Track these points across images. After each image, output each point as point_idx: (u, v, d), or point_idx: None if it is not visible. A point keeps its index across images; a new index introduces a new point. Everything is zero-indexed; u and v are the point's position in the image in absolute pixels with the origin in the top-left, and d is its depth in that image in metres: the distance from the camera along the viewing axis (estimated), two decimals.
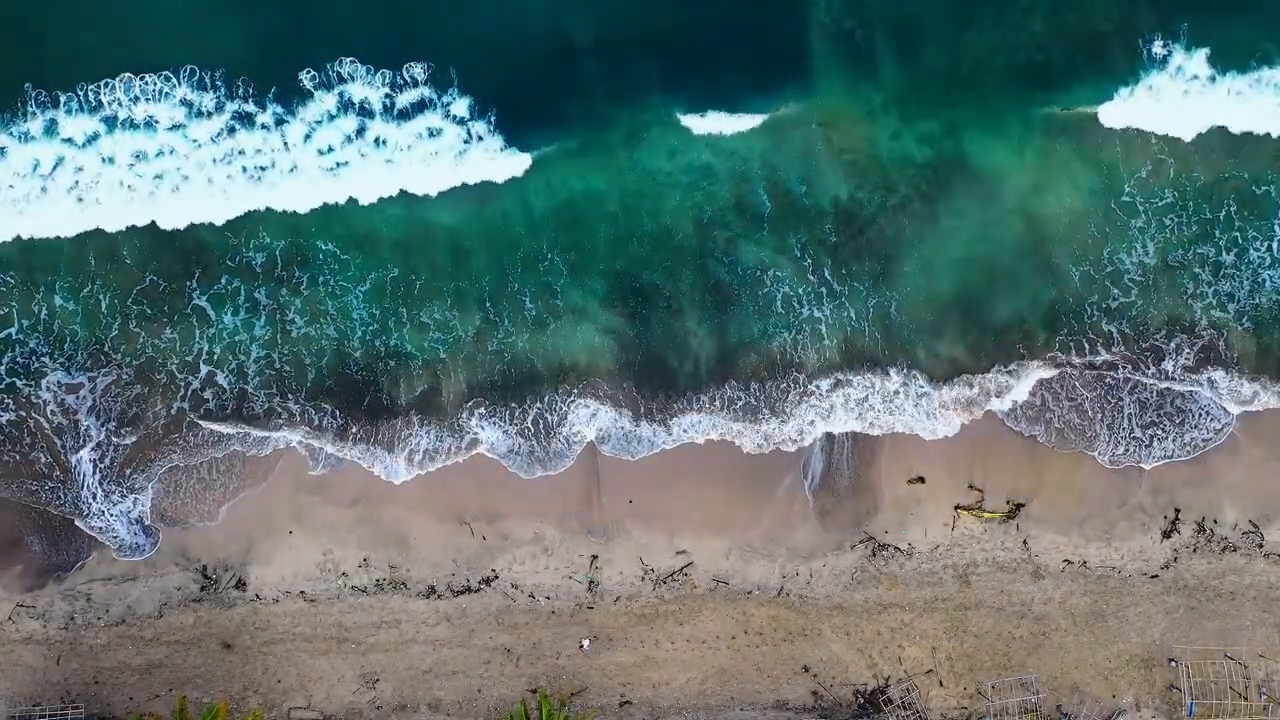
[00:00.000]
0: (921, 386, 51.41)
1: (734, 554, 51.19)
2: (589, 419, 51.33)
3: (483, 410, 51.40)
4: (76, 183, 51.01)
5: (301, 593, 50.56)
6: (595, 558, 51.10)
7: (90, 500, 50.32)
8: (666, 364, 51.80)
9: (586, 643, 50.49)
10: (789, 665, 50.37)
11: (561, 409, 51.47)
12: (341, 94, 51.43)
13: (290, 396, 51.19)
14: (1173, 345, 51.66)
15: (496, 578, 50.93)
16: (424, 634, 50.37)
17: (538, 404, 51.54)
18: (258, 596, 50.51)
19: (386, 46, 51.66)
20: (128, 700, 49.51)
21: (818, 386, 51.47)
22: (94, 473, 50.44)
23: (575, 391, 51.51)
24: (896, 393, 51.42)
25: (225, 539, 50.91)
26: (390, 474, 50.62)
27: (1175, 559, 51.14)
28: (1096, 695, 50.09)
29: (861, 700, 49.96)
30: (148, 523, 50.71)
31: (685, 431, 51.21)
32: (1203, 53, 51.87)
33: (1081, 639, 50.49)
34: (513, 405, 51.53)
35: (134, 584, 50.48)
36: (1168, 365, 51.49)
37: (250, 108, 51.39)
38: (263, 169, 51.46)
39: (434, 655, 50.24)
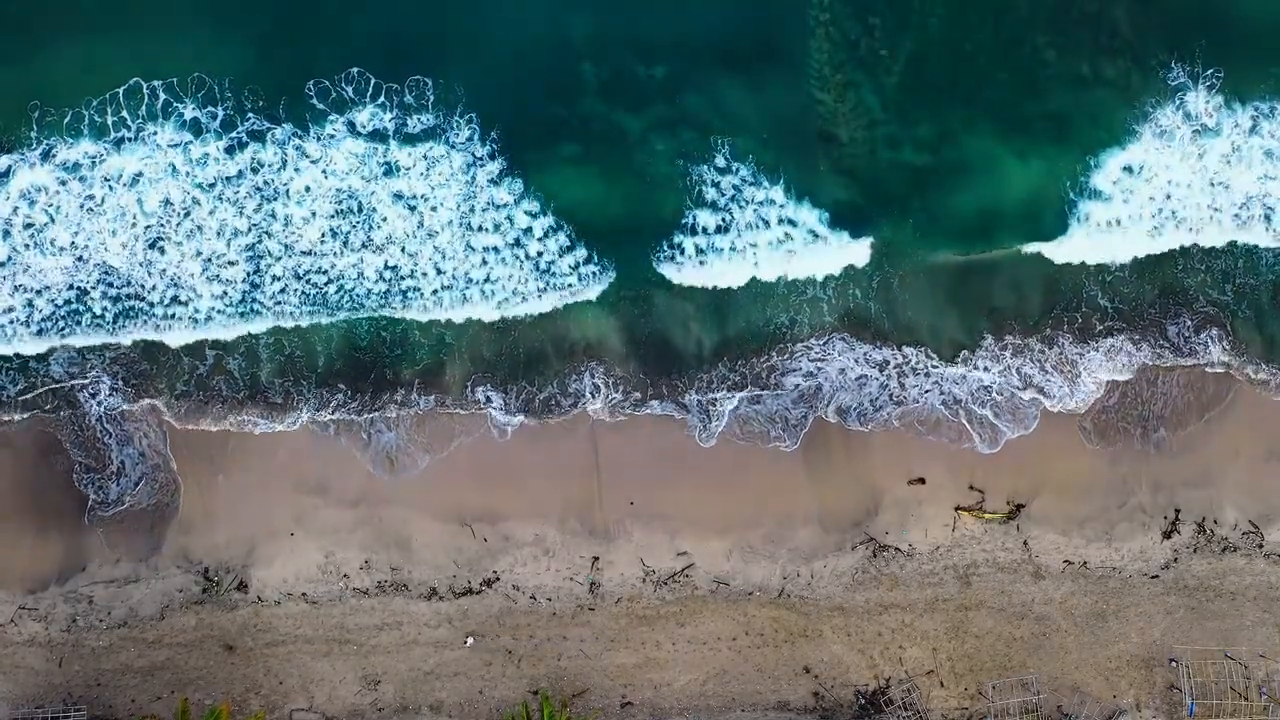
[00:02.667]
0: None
1: (735, 555, 51.27)
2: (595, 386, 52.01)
3: (488, 386, 51.97)
4: (81, 206, 51.13)
5: (303, 595, 50.62)
6: (596, 559, 51.17)
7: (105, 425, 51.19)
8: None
9: (470, 640, 50.40)
10: (790, 666, 50.41)
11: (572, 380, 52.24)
12: (350, 116, 51.84)
13: (303, 381, 51.82)
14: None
15: (498, 579, 50.99)
16: (425, 635, 50.41)
17: (550, 386, 52.17)
18: (259, 598, 50.55)
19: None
20: (130, 702, 49.51)
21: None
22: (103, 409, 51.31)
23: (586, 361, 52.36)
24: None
25: (227, 541, 50.94)
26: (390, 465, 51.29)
27: (1176, 559, 51.23)
28: (1097, 695, 50.12)
29: (862, 701, 49.98)
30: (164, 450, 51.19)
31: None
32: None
33: (1082, 639, 50.54)
34: (522, 383, 52.14)
35: (136, 586, 50.52)
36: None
37: (261, 125, 51.60)
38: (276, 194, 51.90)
39: (436, 657, 50.28)
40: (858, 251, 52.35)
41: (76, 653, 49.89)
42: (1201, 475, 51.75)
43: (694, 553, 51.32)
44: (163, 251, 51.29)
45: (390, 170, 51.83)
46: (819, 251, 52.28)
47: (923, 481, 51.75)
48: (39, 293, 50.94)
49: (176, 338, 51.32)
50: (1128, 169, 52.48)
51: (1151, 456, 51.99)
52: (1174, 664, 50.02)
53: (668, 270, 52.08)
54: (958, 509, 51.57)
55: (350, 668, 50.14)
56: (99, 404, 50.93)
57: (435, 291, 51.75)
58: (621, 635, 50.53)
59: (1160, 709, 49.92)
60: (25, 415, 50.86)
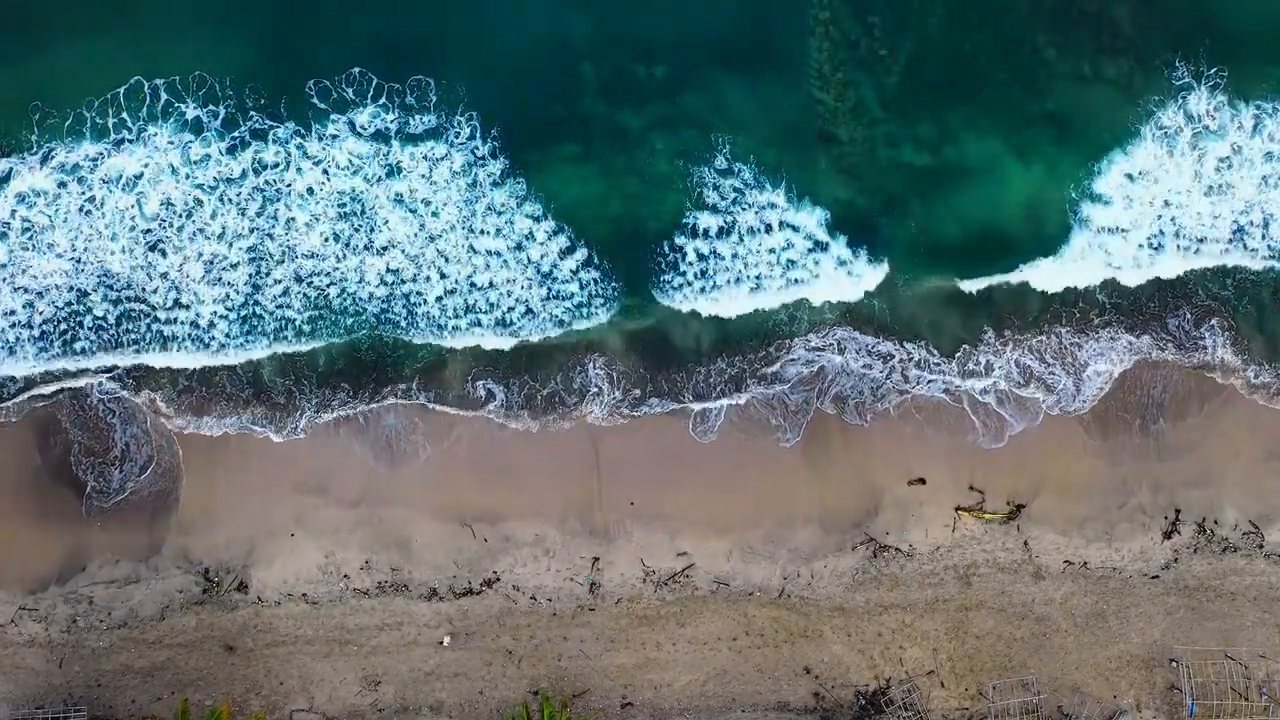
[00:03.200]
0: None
1: (735, 555, 51.28)
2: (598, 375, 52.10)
3: (489, 380, 52.03)
4: (81, 209, 50.96)
5: (304, 595, 50.62)
6: (596, 559, 51.18)
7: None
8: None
9: (447, 639, 50.36)
10: (790, 666, 50.42)
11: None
12: (351, 116, 51.73)
13: (304, 381, 51.84)
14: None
15: (498, 580, 50.99)
16: (426, 636, 50.41)
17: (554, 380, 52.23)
18: (260, 599, 50.54)
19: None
20: (130, 703, 49.51)
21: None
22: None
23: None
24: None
25: (227, 541, 50.95)
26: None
27: (1176, 559, 51.25)
28: (1097, 696, 50.13)
29: (863, 701, 49.98)
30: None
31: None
32: None
33: (1082, 640, 50.54)
34: (525, 378, 52.18)
35: (136, 587, 50.51)
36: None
37: (263, 123, 51.45)
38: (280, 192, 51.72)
39: (436, 657, 50.29)
40: (862, 277, 52.27)
41: (77, 653, 49.88)
42: (1201, 475, 51.77)
43: (694, 553, 51.32)
44: (164, 254, 51.21)
45: (393, 171, 51.76)
46: (822, 266, 52.14)
47: (923, 482, 51.76)
48: (40, 295, 50.86)
49: (177, 360, 51.13)
50: (1128, 174, 52.36)
51: (1152, 456, 52.03)
52: (1174, 664, 50.02)
53: (671, 298, 51.89)
54: (958, 509, 51.58)
55: (350, 668, 50.14)
56: (100, 391, 50.86)
57: (439, 298, 51.66)
58: (622, 636, 50.54)
59: (1161, 709, 49.93)
60: (24, 413, 50.80)
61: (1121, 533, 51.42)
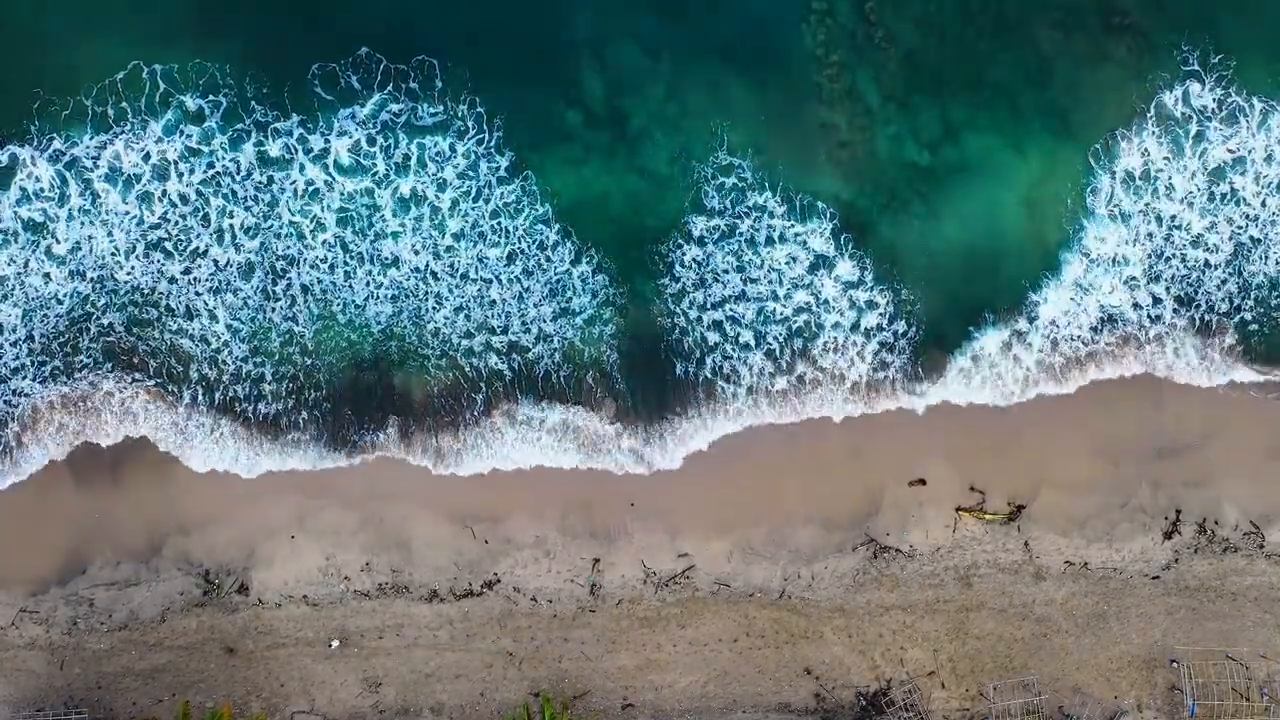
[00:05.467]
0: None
1: (735, 556, 51.26)
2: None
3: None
4: (81, 210, 50.55)
5: (304, 597, 50.61)
6: (597, 561, 51.17)
7: None
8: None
9: (335, 643, 50.28)
10: (791, 667, 50.46)
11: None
12: (354, 109, 51.23)
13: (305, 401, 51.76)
14: None
15: (499, 581, 50.99)
16: (426, 638, 50.42)
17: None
18: (260, 601, 50.52)
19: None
20: (131, 705, 49.53)
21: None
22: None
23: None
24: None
25: (228, 543, 50.95)
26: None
27: (1176, 560, 51.24)
28: (1098, 696, 50.19)
29: (863, 702, 50.03)
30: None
31: None
32: None
33: (1083, 640, 50.57)
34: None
35: (137, 589, 50.50)
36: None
37: (267, 117, 50.87)
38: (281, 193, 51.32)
39: (436, 659, 50.31)
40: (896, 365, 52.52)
41: (77, 655, 49.89)
42: (1202, 475, 51.73)
43: (695, 554, 51.31)
44: (167, 255, 50.81)
45: (399, 170, 51.27)
46: (825, 285, 52.20)
47: (923, 482, 51.71)
48: (42, 305, 50.43)
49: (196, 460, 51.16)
50: (1129, 175, 52.10)
51: (1152, 456, 52.03)
52: (1175, 665, 50.05)
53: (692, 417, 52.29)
54: (958, 510, 51.55)
55: (351, 670, 50.16)
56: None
57: (447, 316, 51.42)
58: (623, 637, 50.56)
59: (1161, 710, 49.98)
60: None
61: (1122, 533, 51.39)
